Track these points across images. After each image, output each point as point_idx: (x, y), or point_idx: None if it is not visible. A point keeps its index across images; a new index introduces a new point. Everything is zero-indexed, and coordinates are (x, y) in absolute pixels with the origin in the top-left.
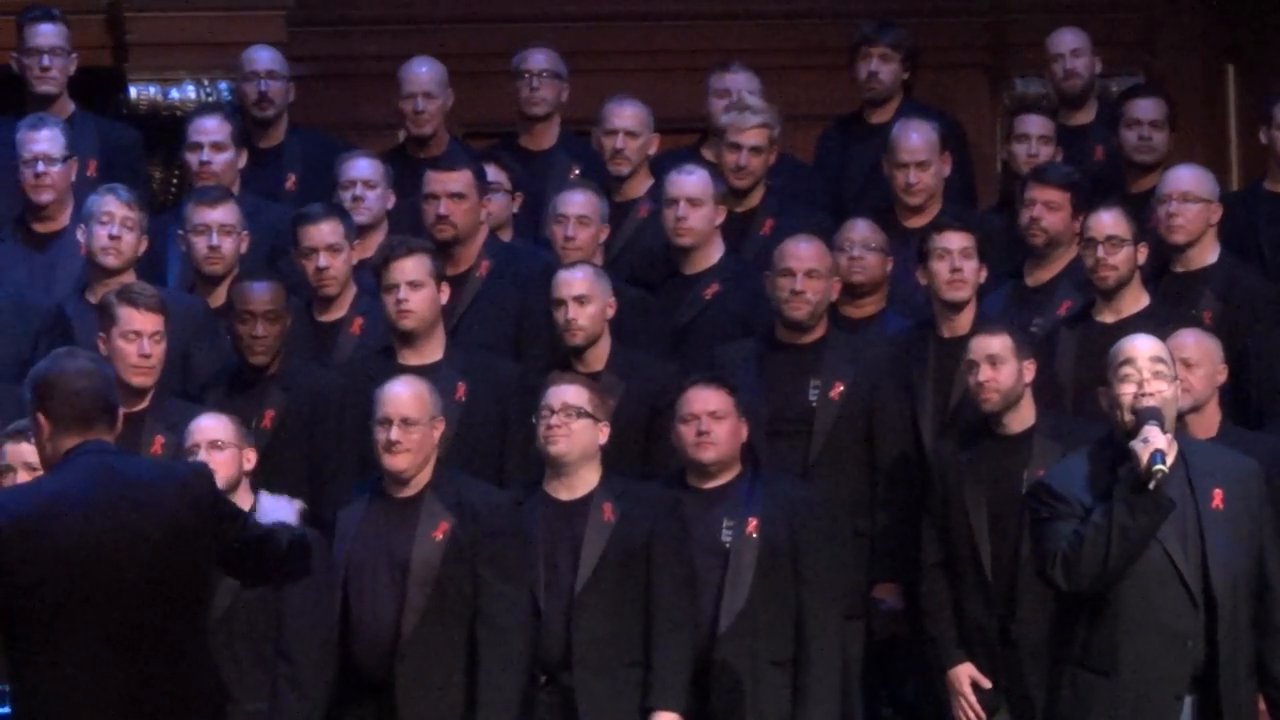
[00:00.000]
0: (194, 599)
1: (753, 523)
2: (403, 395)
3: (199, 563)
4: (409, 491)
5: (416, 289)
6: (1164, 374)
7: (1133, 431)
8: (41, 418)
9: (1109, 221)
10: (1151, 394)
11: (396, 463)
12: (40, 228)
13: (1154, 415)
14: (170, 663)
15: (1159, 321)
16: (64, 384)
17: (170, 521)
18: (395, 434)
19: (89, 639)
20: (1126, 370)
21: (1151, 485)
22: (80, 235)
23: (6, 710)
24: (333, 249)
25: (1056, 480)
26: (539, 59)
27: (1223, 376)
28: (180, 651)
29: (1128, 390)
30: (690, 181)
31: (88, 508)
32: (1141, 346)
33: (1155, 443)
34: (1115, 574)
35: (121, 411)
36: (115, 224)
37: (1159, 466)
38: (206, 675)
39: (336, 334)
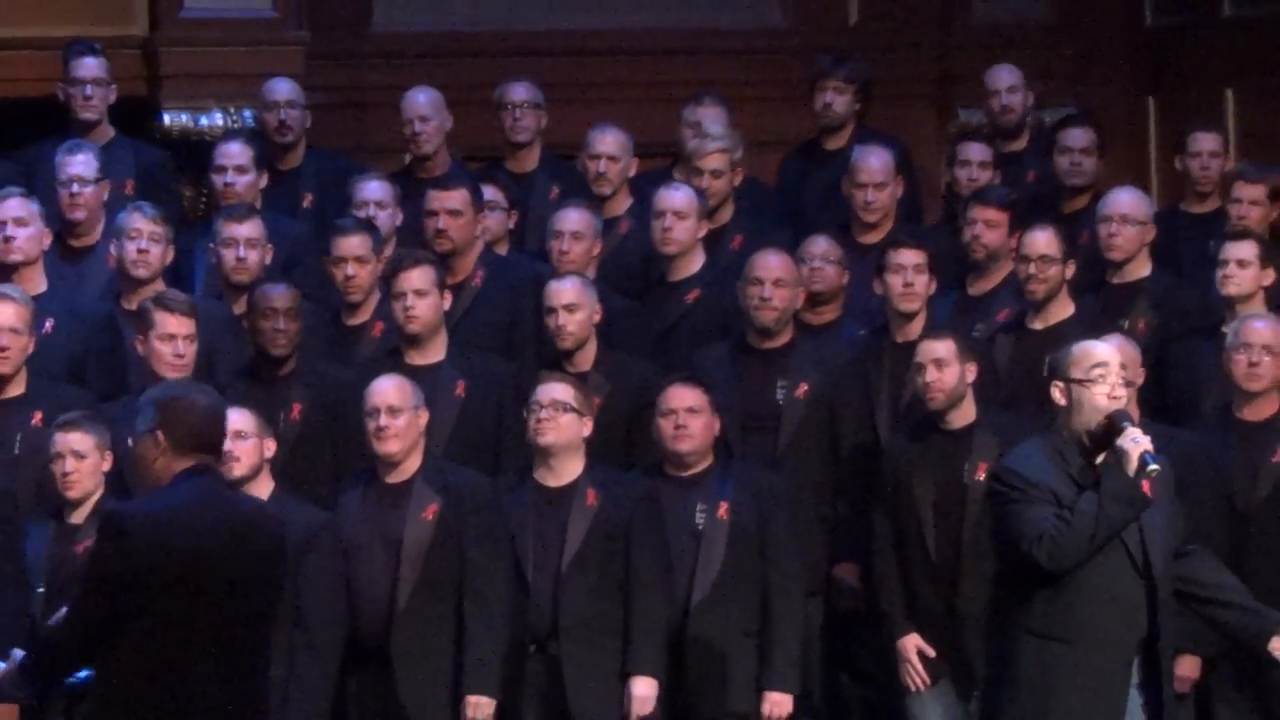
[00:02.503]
0: (267, 620)
1: (724, 507)
2: (387, 388)
3: (274, 592)
4: (400, 477)
5: (421, 297)
6: (1126, 379)
7: (1102, 428)
8: (161, 435)
9: (1042, 241)
10: (1120, 396)
11: (387, 447)
12: (75, 242)
13: (1128, 417)
14: (237, 667)
15: (1084, 329)
16: (190, 410)
17: (259, 553)
18: (383, 420)
19: (176, 636)
20: (1100, 372)
21: (1145, 481)
22: (113, 249)
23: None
24: (360, 260)
25: (1023, 467)
26: (520, 91)
27: (1141, 379)
28: (247, 658)
29: (1100, 391)
30: (677, 196)
31: (199, 525)
32: (1113, 352)
33: (1145, 444)
34: (1092, 556)
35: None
36: (143, 238)
37: (1153, 466)
38: (262, 682)
39: (360, 336)
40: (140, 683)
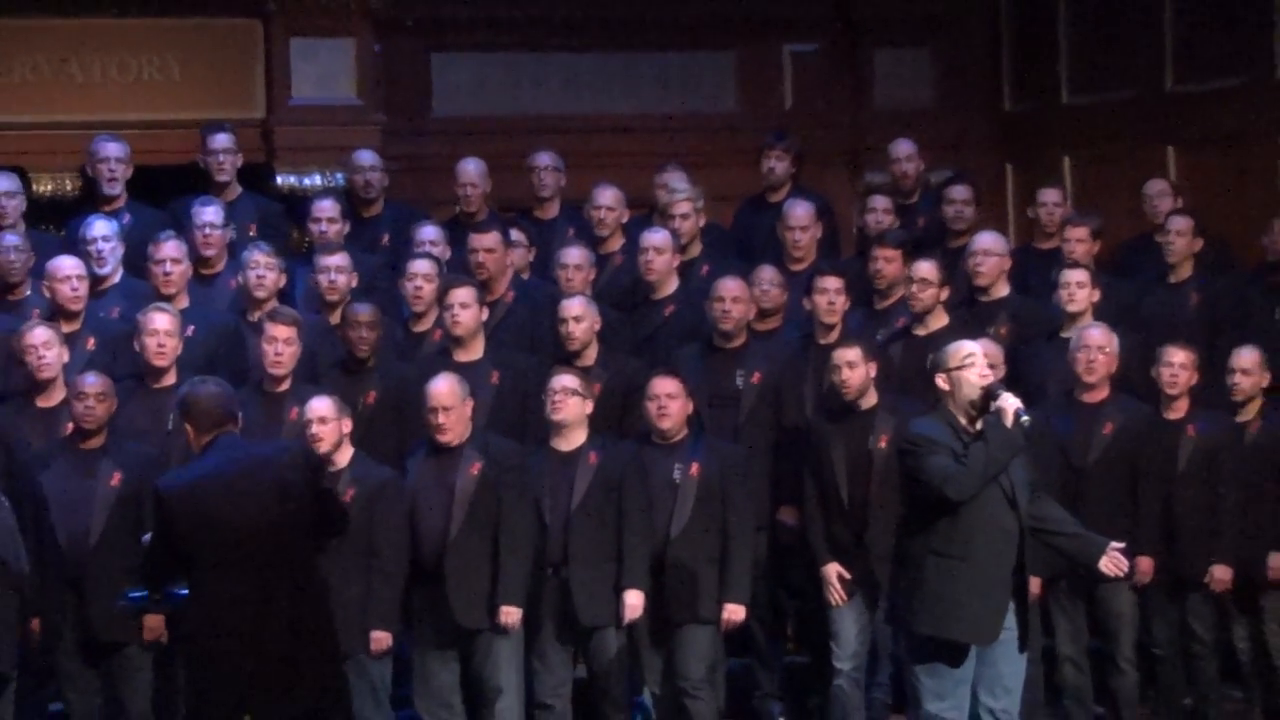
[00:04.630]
0: (298, 531)
1: (695, 467)
2: (443, 390)
3: (299, 507)
4: (453, 444)
5: (466, 309)
6: (988, 363)
7: (981, 397)
8: (188, 426)
9: (924, 269)
10: (987, 375)
11: (444, 438)
12: (205, 271)
13: (1002, 386)
14: (285, 574)
15: (955, 335)
16: (199, 402)
17: (277, 481)
18: (440, 418)
19: (228, 563)
20: (971, 360)
21: (1023, 429)
22: (240, 275)
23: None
24: (428, 278)
25: (926, 430)
26: (544, 159)
27: (1002, 372)
28: (291, 566)
29: (973, 373)
30: (656, 237)
31: (223, 478)
32: (979, 345)
33: (1017, 403)
34: (982, 489)
35: (240, 414)
36: (261, 268)
37: (1026, 418)
38: (312, 578)
39: (423, 340)
40: (203, 599)
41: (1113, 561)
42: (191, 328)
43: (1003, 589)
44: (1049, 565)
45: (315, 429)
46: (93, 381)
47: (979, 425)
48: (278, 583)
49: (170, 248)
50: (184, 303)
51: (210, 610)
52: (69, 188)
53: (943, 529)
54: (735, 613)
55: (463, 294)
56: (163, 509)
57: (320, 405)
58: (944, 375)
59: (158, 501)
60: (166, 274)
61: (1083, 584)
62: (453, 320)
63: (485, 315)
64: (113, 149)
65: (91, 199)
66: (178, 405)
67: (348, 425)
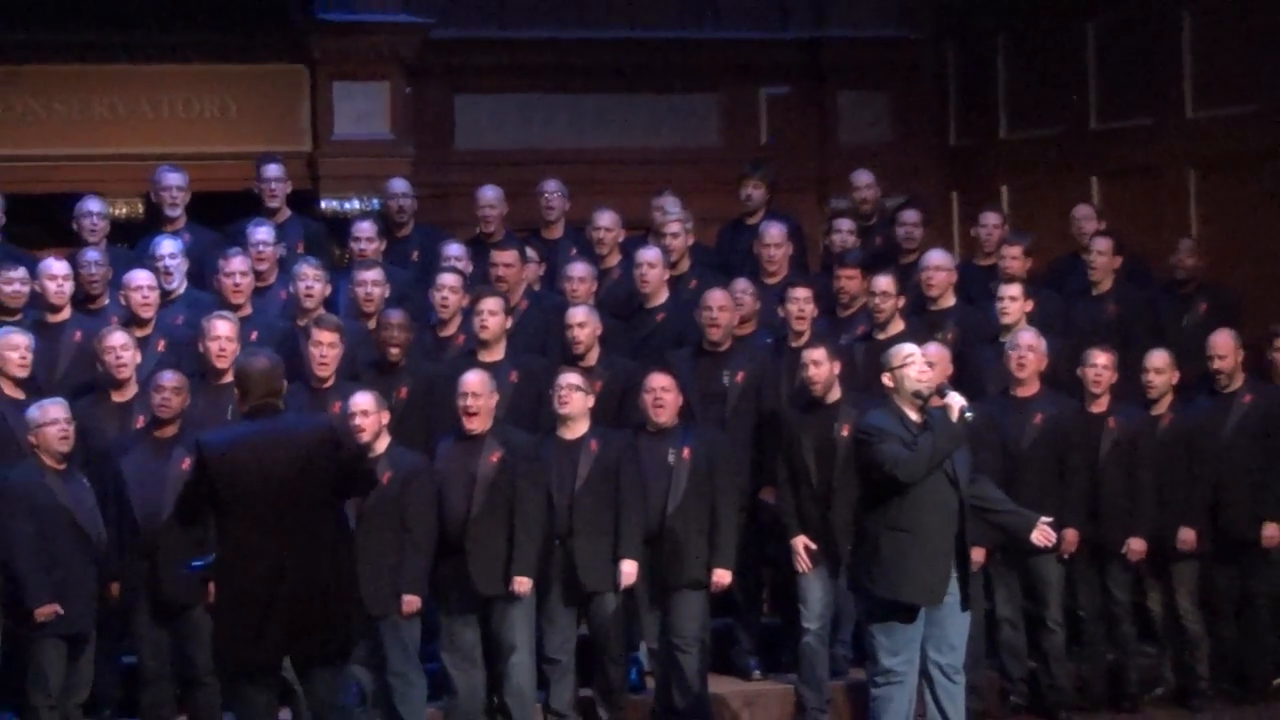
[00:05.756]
0: (316, 496)
1: (686, 452)
2: (472, 381)
3: (321, 473)
4: (477, 433)
5: (494, 316)
6: (929, 362)
7: (924, 393)
8: (237, 392)
9: (883, 283)
10: (925, 372)
11: (471, 423)
12: (260, 284)
13: (950, 386)
14: (304, 532)
15: (909, 340)
16: (249, 373)
17: (303, 450)
18: (469, 403)
19: (253, 517)
20: (911, 360)
21: (966, 423)
22: (290, 288)
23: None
24: (453, 289)
25: (878, 422)
26: (551, 186)
27: (950, 371)
28: (306, 525)
29: (912, 372)
30: (650, 254)
31: (255, 441)
32: (917, 347)
33: (962, 401)
34: (928, 475)
35: (285, 386)
36: (309, 281)
37: (969, 415)
38: (326, 538)
39: (449, 343)
40: (229, 551)
41: (1042, 533)
42: (254, 332)
43: (946, 557)
44: (988, 538)
45: (358, 420)
46: (170, 378)
47: (925, 417)
48: (292, 537)
49: (238, 262)
50: (247, 310)
51: (232, 554)
52: (140, 211)
53: (894, 506)
54: (723, 576)
55: (492, 303)
56: (200, 458)
57: (363, 400)
58: (889, 374)
59: (198, 451)
60: (236, 285)
61: (1017, 555)
62: (481, 325)
63: (509, 323)
64: (173, 178)
65: (156, 221)
66: (234, 376)
67: (386, 417)
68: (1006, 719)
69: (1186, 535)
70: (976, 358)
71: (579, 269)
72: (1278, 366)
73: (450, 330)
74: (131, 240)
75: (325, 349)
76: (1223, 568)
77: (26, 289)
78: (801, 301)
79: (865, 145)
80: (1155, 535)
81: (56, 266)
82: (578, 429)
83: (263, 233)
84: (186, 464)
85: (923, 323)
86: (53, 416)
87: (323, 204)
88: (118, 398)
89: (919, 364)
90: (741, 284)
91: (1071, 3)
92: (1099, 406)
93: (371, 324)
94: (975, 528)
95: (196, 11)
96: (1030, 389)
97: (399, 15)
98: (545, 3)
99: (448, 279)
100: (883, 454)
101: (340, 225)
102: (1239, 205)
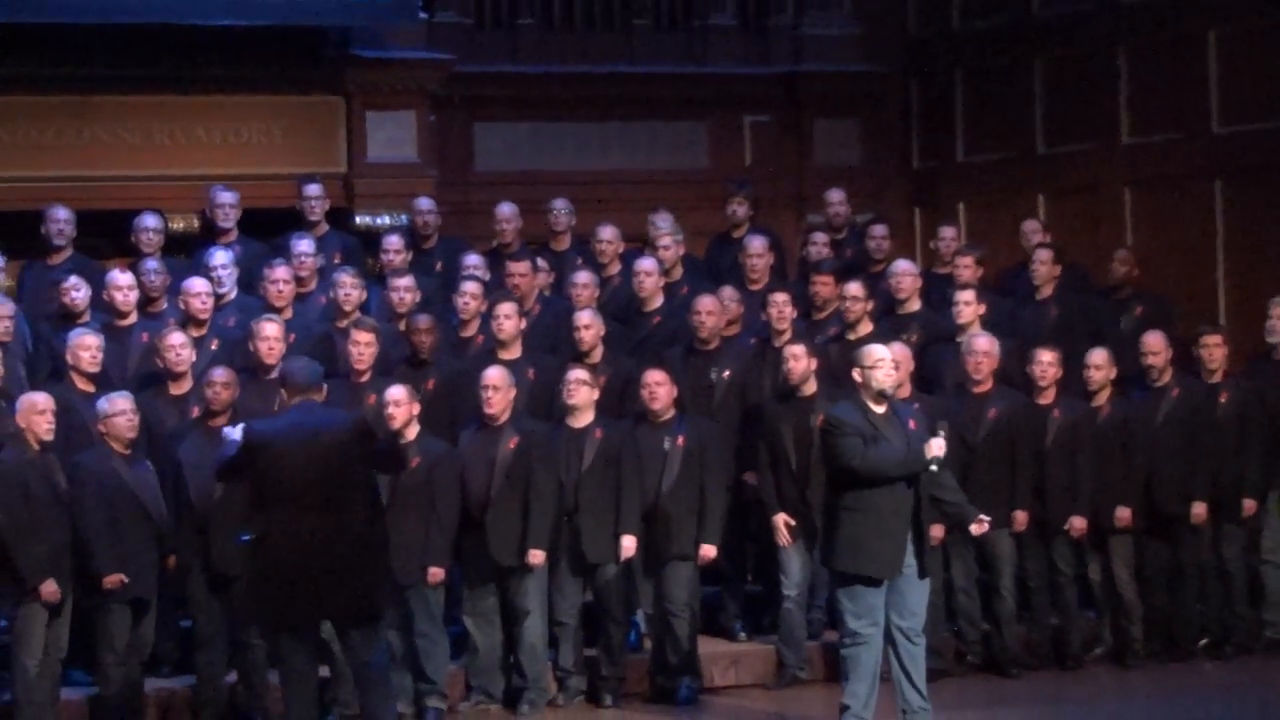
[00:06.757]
0: (349, 478)
1: (680, 439)
2: (493, 374)
3: (352, 461)
4: (497, 422)
5: (509, 319)
6: (896, 364)
7: (888, 392)
8: (283, 390)
9: (854, 288)
10: (890, 374)
11: (490, 408)
12: (302, 290)
13: (945, 427)
14: (335, 509)
15: (877, 340)
16: (292, 372)
17: (335, 440)
18: (489, 394)
19: (292, 496)
20: (880, 362)
21: (935, 461)
22: (329, 294)
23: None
24: (474, 295)
25: (842, 414)
26: (559, 203)
27: (913, 368)
28: (342, 503)
29: (879, 373)
30: (646, 264)
31: (292, 431)
32: (887, 350)
33: (940, 450)
34: (886, 482)
35: (325, 385)
36: (348, 288)
37: (934, 468)
38: (361, 514)
39: (469, 343)
40: (270, 524)
41: (978, 526)
42: (293, 335)
43: (902, 534)
44: (946, 518)
45: (391, 410)
46: (221, 373)
47: (887, 407)
48: (324, 514)
49: (282, 271)
50: (289, 314)
51: (269, 530)
52: (195, 225)
53: (852, 491)
54: (709, 551)
55: (507, 307)
56: (247, 443)
57: (396, 392)
58: (859, 370)
59: (245, 436)
60: (280, 291)
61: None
62: (498, 327)
63: (523, 325)
64: (226, 197)
65: (210, 234)
66: (280, 373)
67: (416, 408)
68: (963, 676)
69: (1123, 513)
70: (937, 357)
71: (583, 277)
72: (1203, 363)
73: (470, 331)
74: (188, 251)
75: (363, 348)
76: (1154, 542)
77: (85, 295)
78: (781, 305)
79: (837, 167)
80: (1095, 513)
81: (122, 278)
82: (584, 419)
83: (304, 245)
84: None
85: (890, 325)
86: (120, 408)
87: (357, 219)
88: (176, 391)
89: (887, 368)
90: (728, 291)
91: (1021, 42)
92: (1045, 399)
93: (402, 325)
94: (932, 509)
95: (245, 49)
96: (983, 386)
97: (425, 52)
98: (555, 41)
99: (468, 286)
100: (844, 448)
101: (372, 238)
102: (1169, 220)
